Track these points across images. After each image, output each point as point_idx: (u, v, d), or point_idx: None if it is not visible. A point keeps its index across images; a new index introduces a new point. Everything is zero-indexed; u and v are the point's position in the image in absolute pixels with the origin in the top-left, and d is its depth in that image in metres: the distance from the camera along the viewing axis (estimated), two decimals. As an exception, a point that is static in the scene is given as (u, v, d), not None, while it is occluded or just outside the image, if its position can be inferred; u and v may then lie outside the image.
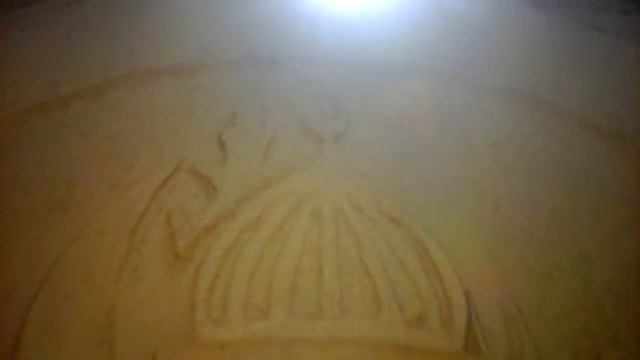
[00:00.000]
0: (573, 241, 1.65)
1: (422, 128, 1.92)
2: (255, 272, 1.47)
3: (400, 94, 2.02)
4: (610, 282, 1.57)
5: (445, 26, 2.25)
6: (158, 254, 1.48)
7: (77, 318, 1.38)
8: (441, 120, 1.95)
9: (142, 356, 1.32)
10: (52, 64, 1.98)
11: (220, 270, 1.45)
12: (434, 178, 1.78)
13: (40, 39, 2.07)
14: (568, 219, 1.71)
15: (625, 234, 1.70)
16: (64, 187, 1.60)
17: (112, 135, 1.77)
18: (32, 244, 1.49)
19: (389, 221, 1.62)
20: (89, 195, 1.58)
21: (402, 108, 1.97)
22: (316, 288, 1.45)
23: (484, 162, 1.84)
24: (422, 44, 2.18)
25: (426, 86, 2.04)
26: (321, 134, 1.84)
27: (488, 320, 1.47)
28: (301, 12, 2.25)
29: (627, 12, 2.33)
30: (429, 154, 1.83)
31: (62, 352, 1.32)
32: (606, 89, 2.03)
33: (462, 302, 1.47)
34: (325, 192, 1.67)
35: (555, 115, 1.98)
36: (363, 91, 2.02)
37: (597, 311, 1.51)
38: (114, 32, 2.16)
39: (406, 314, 1.42)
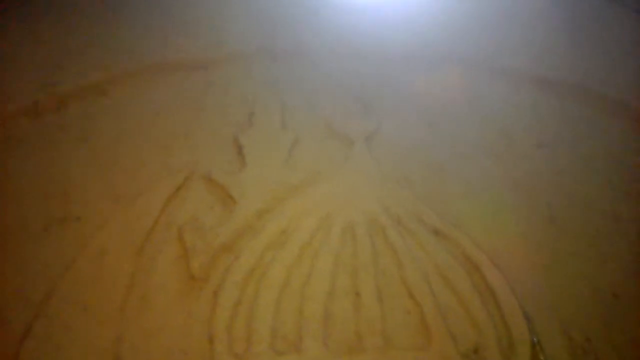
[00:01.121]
0: (619, 245, 1.45)
1: (461, 126, 1.71)
2: (282, 298, 1.26)
3: (435, 88, 1.81)
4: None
5: (480, 13, 2.05)
6: (169, 277, 1.28)
7: (77, 354, 1.19)
8: (482, 117, 1.74)
9: (153, 398, 1.14)
10: (47, 60, 1.77)
11: (242, 295, 1.25)
12: (479, 183, 1.57)
13: (33, 32, 1.87)
14: (633, 228, 1.51)
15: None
16: (60, 201, 1.40)
17: (114, 140, 1.57)
18: (25, 267, 1.29)
19: (431, 234, 1.41)
20: (89, 210, 1.37)
21: (438, 104, 1.76)
22: (353, 315, 1.24)
23: (533, 164, 1.63)
24: (456, 33, 1.96)
25: (463, 79, 1.83)
26: (350, 134, 1.63)
27: (551, 349, 1.27)
28: (324, 0, 2.04)
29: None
30: (472, 155, 1.62)
31: (60, 396, 1.13)
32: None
33: (524, 328, 1.27)
34: (358, 202, 1.46)
35: (609, 111, 1.77)
36: (394, 87, 1.81)
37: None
38: (116, 25, 1.96)
39: (460, 345, 1.22)
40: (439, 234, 1.42)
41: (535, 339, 1.25)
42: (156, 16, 1.96)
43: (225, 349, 1.18)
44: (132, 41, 1.86)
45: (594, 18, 2.03)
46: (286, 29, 1.91)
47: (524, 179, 1.59)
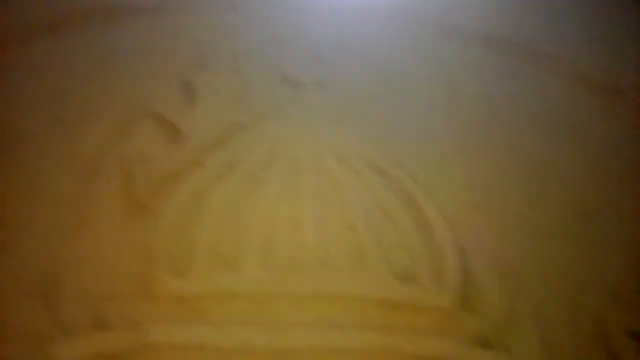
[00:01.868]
0: (572, 197, 1.52)
1: (409, 78, 1.75)
2: (225, 222, 1.29)
3: (386, 42, 1.86)
4: (611, 240, 1.46)
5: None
6: (113, 202, 1.29)
7: (16, 272, 1.19)
8: (429, 70, 1.79)
9: (91, 315, 1.15)
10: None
11: (184, 219, 1.27)
12: (423, 130, 1.63)
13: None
14: (566, 174, 1.58)
15: (625, 191, 1.59)
16: (4, 127, 1.40)
17: (63, 76, 1.56)
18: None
19: (375, 173, 1.47)
20: (33, 136, 1.38)
21: (388, 57, 1.81)
22: (294, 240, 1.28)
23: (474, 115, 1.70)
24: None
25: (413, 34, 1.88)
26: (301, 80, 1.66)
27: (483, 278, 1.33)
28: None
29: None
30: (418, 105, 1.68)
31: (-3, 312, 1.14)
32: (605, 42, 1.91)
33: (455, 257, 1.33)
34: (305, 141, 1.50)
35: (551, 69, 1.85)
36: (346, 39, 1.84)
37: (598, 270, 1.40)
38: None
39: (393, 269, 1.28)
40: (382, 174, 1.47)
41: (466, 267, 1.32)
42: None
43: (164, 267, 1.20)
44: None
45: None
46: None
47: (464, 128, 1.65)
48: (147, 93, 1.57)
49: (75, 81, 1.57)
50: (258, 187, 1.36)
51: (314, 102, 1.61)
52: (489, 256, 1.36)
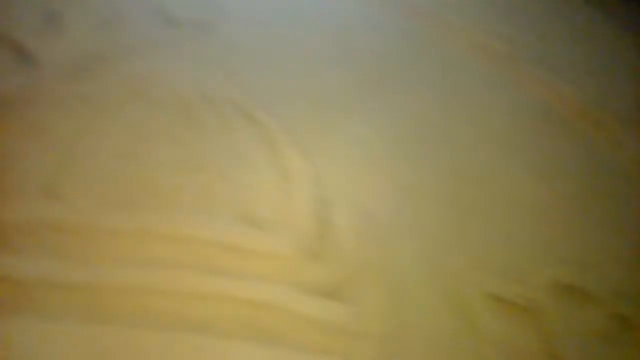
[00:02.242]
0: (451, 160, 1.49)
1: (301, 31, 1.68)
2: (64, 153, 1.19)
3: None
4: (482, 205, 1.43)
5: None
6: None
7: None
8: (324, 27, 1.73)
9: None
10: None
11: (14, 144, 1.17)
12: (307, 82, 1.56)
13: None
14: (450, 137, 1.55)
15: (507, 160, 1.57)
16: None
17: None
18: None
19: (243, 118, 1.39)
20: None
21: (282, 8, 1.74)
22: (135, 177, 1.20)
23: (365, 71, 1.64)
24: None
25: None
26: (181, 19, 1.56)
27: (341, 230, 1.28)
28: None
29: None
30: (304, 56, 1.61)
31: None
32: (503, 12, 1.89)
33: (312, 207, 1.27)
34: (171, 80, 1.41)
35: (449, 35, 1.81)
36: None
37: (461, 232, 1.37)
38: None
39: (241, 213, 1.21)
40: (250, 118, 1.40)
41: (322, 216, 1.27)
42: None
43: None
44: None
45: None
46: None
47: (352, 84, 1.59)
48: (8, 21, 1.45)
49: None
50: (109, 122, 1.27)
51: (192, 43, 1.52)
52: (352, 209, 1.31)
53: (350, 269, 1.21)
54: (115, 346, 0.98)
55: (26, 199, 1.08)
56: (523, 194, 1.46)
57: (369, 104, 1.56)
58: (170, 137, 1.29)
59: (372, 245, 1.27)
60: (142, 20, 1.52)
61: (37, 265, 0.99)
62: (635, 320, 1.30)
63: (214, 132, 1.32)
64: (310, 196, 1.28)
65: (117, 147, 1.23)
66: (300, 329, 1.10)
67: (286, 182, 1.29)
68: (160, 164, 1.23)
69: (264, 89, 1.47)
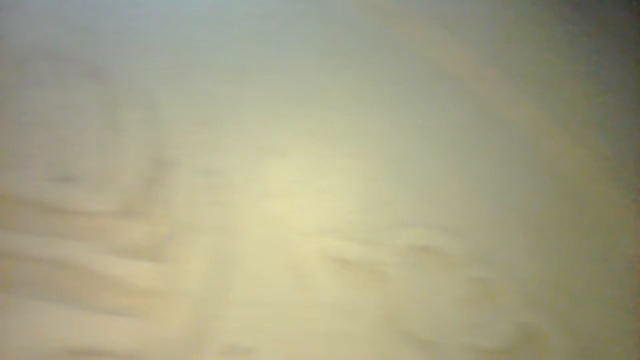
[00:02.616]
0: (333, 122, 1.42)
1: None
2: None
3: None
4: (335, 161, 1.35)
5: None
6: None
7: None
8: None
9: None
10: None
11: None
12: (171, 42, 1.49)
13: None
14: (318, 95, 1.47)
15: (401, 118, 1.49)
16: None
17: None
18: None
19: (86, 76, 1.32)
20: None
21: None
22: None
23: (242, 32, 1.57)
24: None
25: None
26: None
27: (174, 189, 1.21)
28: None
29: None
30: (172, 18, 1.52)
31: None
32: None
33: (144, 165, 1.21)
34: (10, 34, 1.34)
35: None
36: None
37: (311, 192, 1.29)
38: None
39: (58, 171, 1.15)
40: (94, 76, 1.33)
41: (155, 176, 1.20)
42: None
43: None
44: None
45: None
46: None
47: (222, 42, 1.53)
48: None
49: None
50: None
51: None
52: (191, 170, 1.24)
53: (178, 230, 1.15)
54: None
55: None
56: (400, 157, 1.39)
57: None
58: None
59: (208, 207, 1.21)
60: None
61: None
62: (496, 284, 1.22)
63: (48, 88, 1.26)
64: (146, 155, 1.22)
65: None
66: (105, 290, 1.04)
67: (120, 140, 1.22)
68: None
69: (116, 47, 1.41)
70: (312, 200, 1.25)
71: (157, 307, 1.05)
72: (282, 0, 1.71)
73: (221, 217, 1.20)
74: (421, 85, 1.59)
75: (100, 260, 1.04)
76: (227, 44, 1.56)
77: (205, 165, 1.25)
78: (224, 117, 1.37)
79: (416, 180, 1.35)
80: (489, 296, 1.20)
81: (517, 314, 1.20)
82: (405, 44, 1.69)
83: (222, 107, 1.39)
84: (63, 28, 1.36)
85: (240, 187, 1.25)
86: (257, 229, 1.19)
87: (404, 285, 1.19)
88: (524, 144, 1.50)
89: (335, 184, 1.29)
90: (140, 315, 1.03)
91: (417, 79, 1.61)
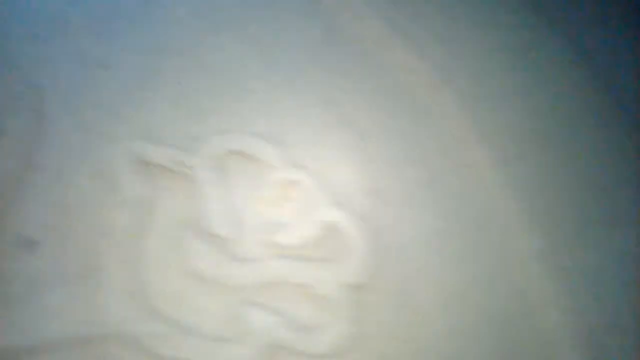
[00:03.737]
0: None
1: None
2: None
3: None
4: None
5: None
6: None
7: None
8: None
9: None
10: None
11: None
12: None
13: None
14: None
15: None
16: None
17: None
18: None
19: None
20: None
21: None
22: None
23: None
24: None
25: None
26: None
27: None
28: None
29: None
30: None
31: None
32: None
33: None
34: None
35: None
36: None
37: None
38: None
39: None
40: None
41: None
42: None
43: None
44: None
45: None
46: None
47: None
48: None
49: None
50: None
51: None
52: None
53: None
54: None
55: None
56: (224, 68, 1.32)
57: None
58: None
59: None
60: None
61: None
62: (305, 186, 1.24)
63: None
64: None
65: None
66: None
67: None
68: None
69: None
70: (130, 111, 1.29)
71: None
72: None
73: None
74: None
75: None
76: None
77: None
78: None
79: (236, 89, 1.36)
80: (296, 198, 1.22)
81: (321, 213, 1.22)
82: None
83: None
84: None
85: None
86: (67, 137, 1.24)
87: (210, 188, 1.22)
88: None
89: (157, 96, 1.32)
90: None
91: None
